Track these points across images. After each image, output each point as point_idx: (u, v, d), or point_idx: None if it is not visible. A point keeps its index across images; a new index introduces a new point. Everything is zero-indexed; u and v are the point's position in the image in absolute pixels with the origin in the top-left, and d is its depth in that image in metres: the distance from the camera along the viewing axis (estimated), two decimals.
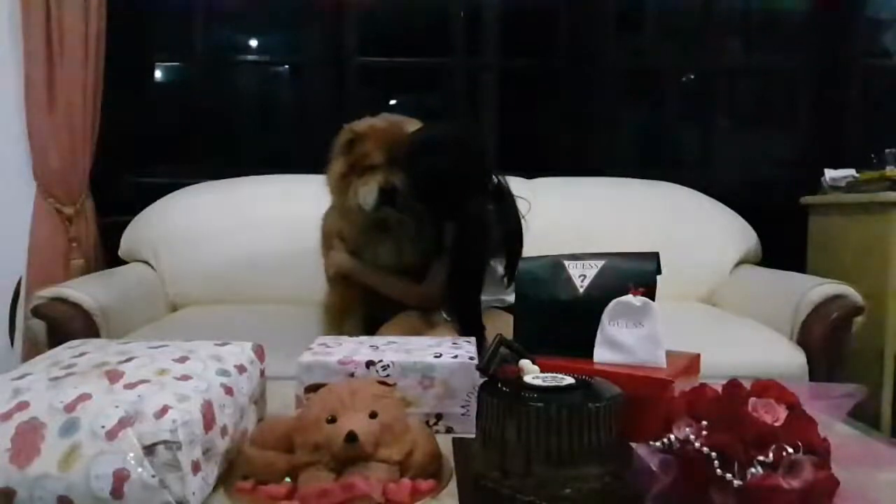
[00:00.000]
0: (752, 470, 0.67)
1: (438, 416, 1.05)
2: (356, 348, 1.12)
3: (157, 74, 2.78)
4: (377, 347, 1.13)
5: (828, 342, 1.77)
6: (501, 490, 0.76)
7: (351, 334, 1.59)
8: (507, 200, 1.62)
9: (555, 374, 0.84)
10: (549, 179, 2.46)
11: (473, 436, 0.85)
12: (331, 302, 1.78)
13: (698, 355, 1.04)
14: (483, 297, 1.78)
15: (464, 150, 1.57)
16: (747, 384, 0.76)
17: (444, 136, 1.61)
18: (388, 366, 1.05)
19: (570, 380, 0.82)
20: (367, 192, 1.55)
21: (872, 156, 2.32)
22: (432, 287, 1.65)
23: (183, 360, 0.89)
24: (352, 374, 1.04)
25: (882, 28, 2.89)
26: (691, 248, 2.28)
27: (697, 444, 0.70)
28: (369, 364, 1.05)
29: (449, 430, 1.05)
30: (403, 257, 1.69)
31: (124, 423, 0.73)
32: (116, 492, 0.70)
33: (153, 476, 0.71)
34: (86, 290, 1.82)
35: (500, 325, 1.50)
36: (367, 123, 1.60)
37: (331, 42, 2.71)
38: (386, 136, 1.55)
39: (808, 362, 1.76)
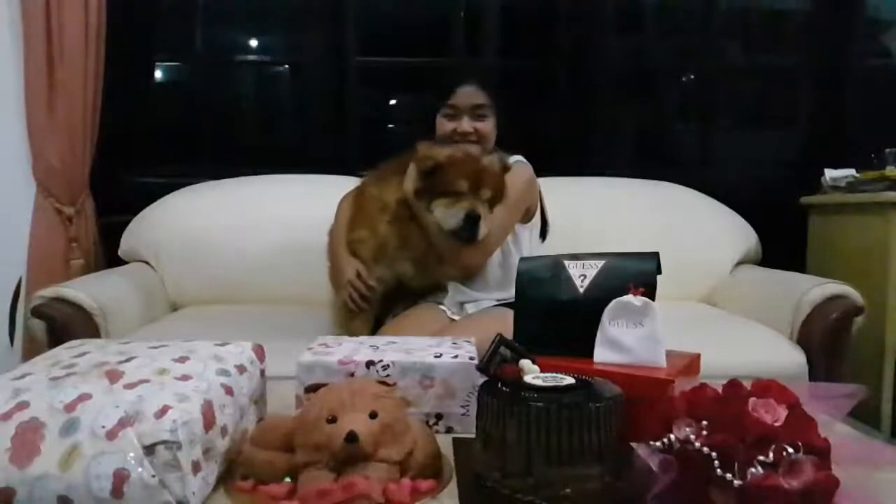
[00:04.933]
0: (752, 470, 0.67)
1: (438, 416, 1.05)
2: (356, 348, 1.12)
3: (157, 74, 2.78)
4: (377, 347, 1.13)
5: (828, 342, 1.77)
6: (501, 490, 0.76)
7: (359, 333, 1.61)
8: None
9: (555, 374, 0.84)
10: (549, 179, 2.45)
11: (473, 436, 0.85)
12: (340, 302, 1.79)
13: (698, 355, 1.04)
14: (486, 295, 1.80)
15: None
16: (747, 384, 0.76)
17: None
18: (388, 366, 1.05)
19: (570, 380, 0.82)
20: (451, 215, 1.61)
21: (872, 156, 2.32)
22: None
23: (183, 360, 0.89)
24: (352, 374, 1.04)
25: (882, 28, 2.89)
26: (691, 248, 2.28)
27: (697, 444, 0.69)
28: (369, 364, 1.05)
29: (449, 430, 1.05)
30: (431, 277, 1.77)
31: (124, 423, 0.73)
32: (116, 492, 0.70)
33: (153, 476, 0.71)
34: (86, 290, 1.82)
35: (503, 323, 1.52)
36: (443, 153, 1.64)
37: (331, 42, 2.70)
38: (465, 166, 1.62)
39: (808, 362, 1.76)
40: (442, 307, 1.81)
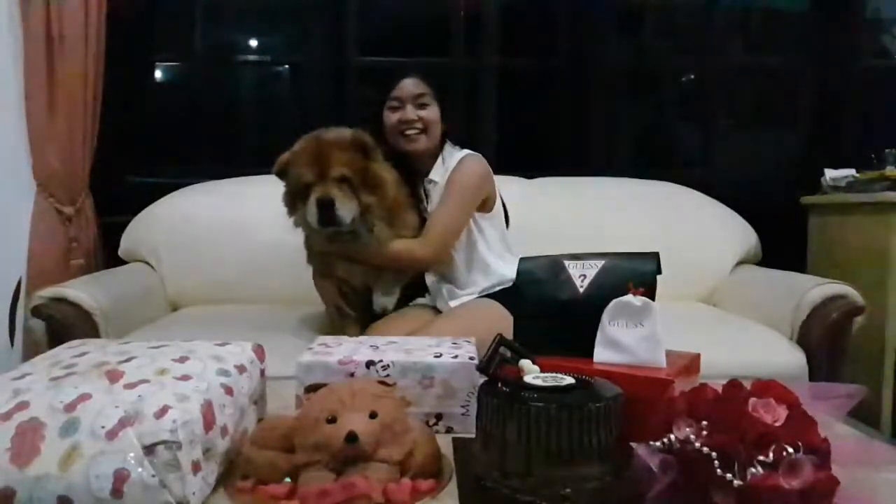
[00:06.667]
0: (752, 470, 0.67)
1: (438, 416, 1.05)
2: (356, 348, 1.12)
3: (157, 74, 2.78)
4: (377, 347, 1.13)
5: (828, 342, 1.77)
6: (501, 490, 0.76)
7: (352, 333, 1.62)
8: None
9: (555, 374, 0.84)
10: (549, 179, 2.46)
11: (473, 436, 0.85)
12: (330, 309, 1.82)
13: (698, 355, 1.04)
14: (471, 289, 1.81)
15: None
16: (747, 384, 0.76)
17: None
18: (388, 366, 1.05)
19: (570, 380, 0.82)
20: (308, 213, 1.60)
21: (872, 156, 2.32)
22: (433, 235, 1.73)
23: (183, 360, 0.89)
24: (352, 374, 1.04)
25: (882, 28, 2.89)
26: (691, 248, 2.28)
27: (697, 444, 0.69)
28: (369, 364, 1.05)
29: (449, 430, 1.05)
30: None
31: (124, 423, 0.73)
32: (116, 492, 0.70)
33: (153, 476, 0.71)
34: (86, 290, 1.81)
35: (494, 318, 1.53)
36: (290, 151, 1.65)
37: (331, 42, 2.71)
38: (308, 153, 1.61)
39: (808, 362, 1.76)
40: (426, 303, 1.86)
